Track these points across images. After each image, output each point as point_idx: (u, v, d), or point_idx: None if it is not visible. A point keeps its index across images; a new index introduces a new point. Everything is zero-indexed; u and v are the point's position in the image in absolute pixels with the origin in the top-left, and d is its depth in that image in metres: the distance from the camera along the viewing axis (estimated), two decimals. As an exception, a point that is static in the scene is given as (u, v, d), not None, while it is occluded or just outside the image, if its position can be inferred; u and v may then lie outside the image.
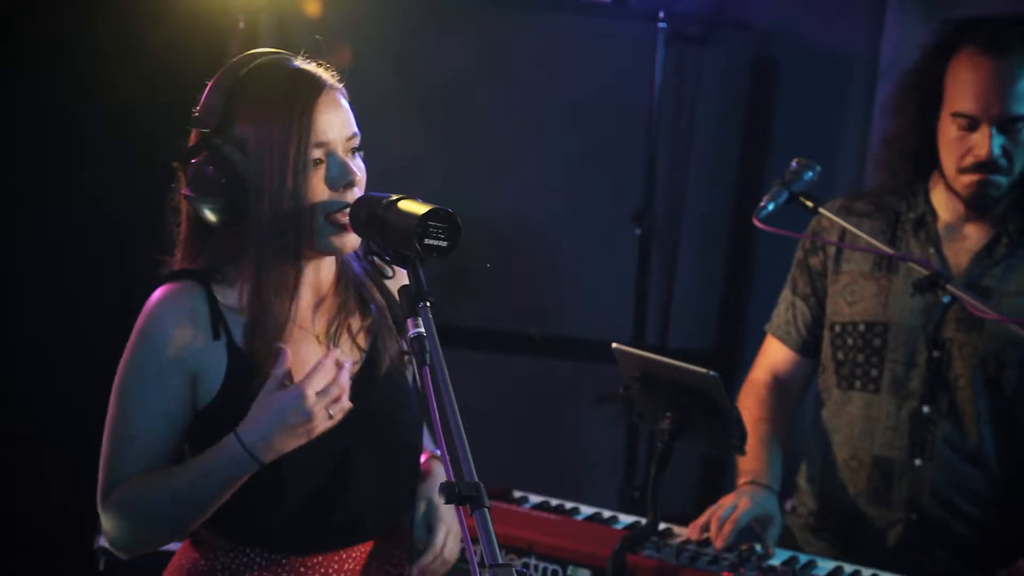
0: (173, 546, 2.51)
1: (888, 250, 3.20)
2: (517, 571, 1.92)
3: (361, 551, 2.49)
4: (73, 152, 4.37)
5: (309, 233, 2.33)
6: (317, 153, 2.32)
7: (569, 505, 3.44)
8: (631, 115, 4.68)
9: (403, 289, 2.16)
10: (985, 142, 3.18)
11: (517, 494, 3.50)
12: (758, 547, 3.20)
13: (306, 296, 2.44)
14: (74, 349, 4.27)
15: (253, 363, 2.36)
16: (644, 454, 4.64)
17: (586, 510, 3.42)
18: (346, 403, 2.30)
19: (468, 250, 4.92)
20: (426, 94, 4.79)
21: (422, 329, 2.10)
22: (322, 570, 2.44)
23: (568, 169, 4.84)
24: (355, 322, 2.50)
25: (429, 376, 2.07)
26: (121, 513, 2.36)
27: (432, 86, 4.79)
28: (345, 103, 2.39)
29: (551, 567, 3.16)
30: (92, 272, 4.40)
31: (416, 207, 2.20)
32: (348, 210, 2.32)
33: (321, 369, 2.27)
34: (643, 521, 3.23)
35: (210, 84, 2.38)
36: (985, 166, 3.20)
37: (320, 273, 2.46)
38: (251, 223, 2.32)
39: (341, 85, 2.42)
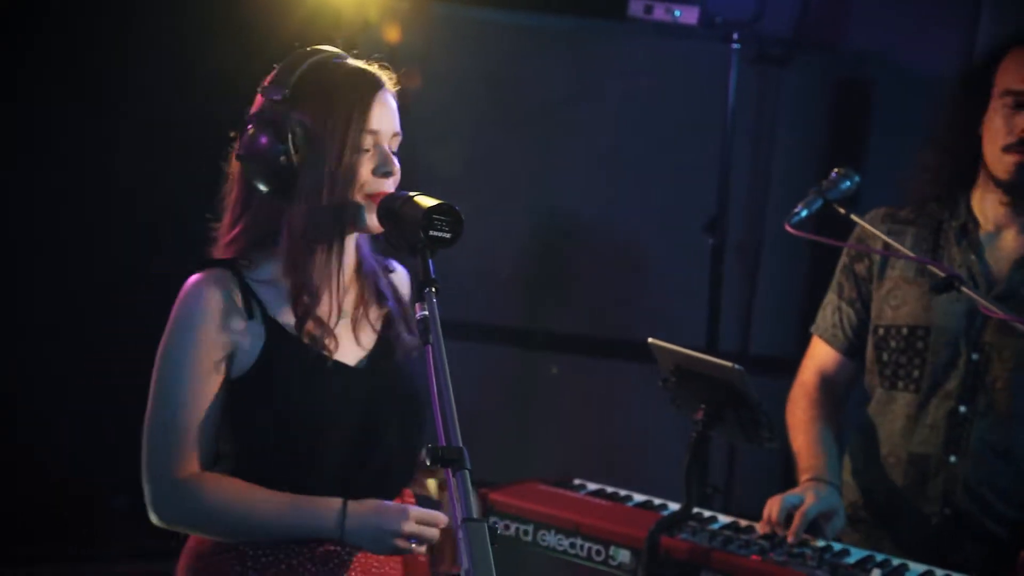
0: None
1: (911, 255, 3.35)
2: (489, 526, 2.13)
3: None
4: (189, 159, 4.79)
5: (351, 205, 2.60)
6: (368, 141, 2.61)
7: (623, 493, 3.63)
8: (712, 132, 4.89)
9: (414, 277, 2.43)
10: None
11: (576, 481, 3.70)
12: (820, 541, 3.30)
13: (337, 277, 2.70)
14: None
15: (290, 333, 2.62)
16: (716, 453, 4.81)
17: (638, 498, 3.60)
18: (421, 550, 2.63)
19: (559, 258, 5.17)
20: (520, 112, 5.06)
21: (427, 312, 2.32)
22: None
23: (652, 182, 5.06)
24: (373, 310, 2.76)
25: (430, 354, 2.29)
26: (195, 510, 2.59)
27: (525, 104, 5.06)
28: (394, 104, 2.68)
29: (595, 547, 3.37)
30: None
31: (425, 201, 2.45)
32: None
33: (428, 516, 2.60)
34: (704, 511, 3.47)
35: (279, 66, 2.65)
36: None
37: (345, 258, 2.70)
38: (301, 197, 2.58)
39: (394, 89, 2.70)
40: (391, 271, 2.83)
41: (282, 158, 2.56)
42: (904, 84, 5.04)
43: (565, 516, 3.42)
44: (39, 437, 5.14)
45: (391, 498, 2.73)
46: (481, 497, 3.46)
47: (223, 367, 2.62)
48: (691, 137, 5.02)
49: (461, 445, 2.21)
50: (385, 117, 2.64)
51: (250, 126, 2.60)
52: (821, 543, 3.30)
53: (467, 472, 2.19)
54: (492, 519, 3.46)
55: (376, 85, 2.65)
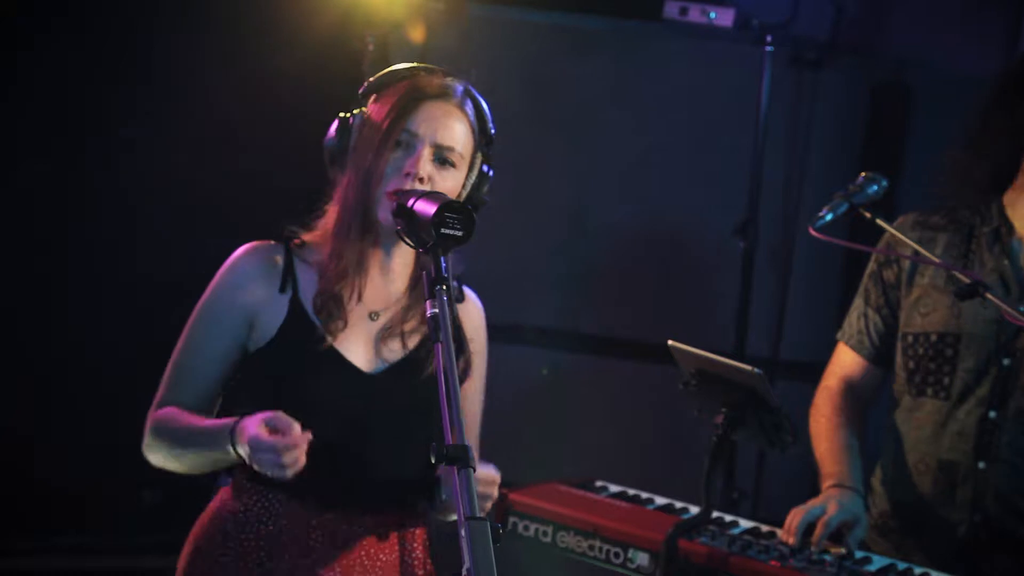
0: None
1: (935, 260, 3.32)
2: (492, 525, 2.13)
3: (375, 523, 2.71)
4: (227, 154, 4.86)
5: (371, 199, 2.63)
6: (404, 137, 2.62)
7: (644, 495, 3.61)
8: (745, 134, 4.88)
9: (425, 274, 2.41)
10: None
11: (598, 483, 3.69)
12: (842, 550, 3.28)
13: (374, 276, 2.72)
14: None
15: (310, 317, 2.66)
16: (745, 458, 4.78)
17: (660, 500, 3.58)
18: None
19: (590, 259, 5.16)
20: (553, 112, 5.07)
21: (437, 310, 2.33)
22: (332, 527, 2.68)
23: (684, 184, 5.06)
24: (410, 326, 2.74)
25: (439, 352, 2.29)
26: (151, 432, 2.71)
27: (559, 105, 5.07)
28: (461, 120, 2.66)
29: (613, 549, 3.36)
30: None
31: (437, 199, 2.45)
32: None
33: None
34: (726, 515, 3.46)
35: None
36: None
37: (392, 259, 2.73)
38: (345, 180, 2.67)
39: (468, 108, 2.69)
40: (458, 301, 2.76)
41: (338, 141, 2.69)
42: (942, 88, 5.00)
43: (584, 517, 3.41)
44: (42, 434, 5.20)
45: (389, 506, 2.72)
46: (501, 497, 3.45)
47: (237, 331, 2.70)
48: (724, 139, 5.01)
49: (466, 443, 2.20)
50: (429, 124, 2.63)
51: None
52: (843, 551, 3.27)
53: (471, 471, 2.19)
54: (511, 519, 3.46)
55: (432, 93, 2.65)
